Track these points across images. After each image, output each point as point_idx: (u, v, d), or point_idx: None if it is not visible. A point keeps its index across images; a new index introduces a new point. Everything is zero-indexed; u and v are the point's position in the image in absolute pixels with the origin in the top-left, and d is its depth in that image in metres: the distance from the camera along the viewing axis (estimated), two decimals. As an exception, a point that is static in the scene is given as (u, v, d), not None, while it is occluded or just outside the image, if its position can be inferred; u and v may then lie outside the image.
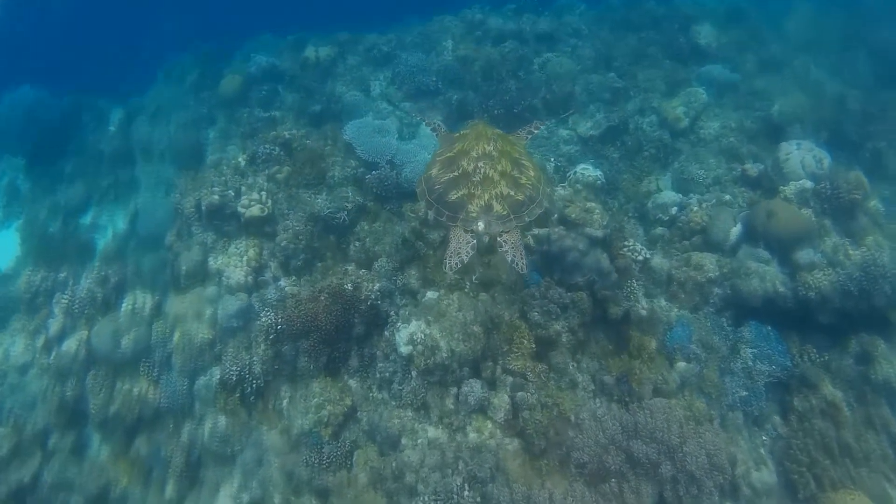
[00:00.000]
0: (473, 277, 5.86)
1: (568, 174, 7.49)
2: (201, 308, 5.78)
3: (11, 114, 10.75)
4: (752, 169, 6.60)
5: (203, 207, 6.22)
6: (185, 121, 10.27)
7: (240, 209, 6.10)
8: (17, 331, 6.66)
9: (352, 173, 6.57)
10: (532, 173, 4.08)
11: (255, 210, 6.06)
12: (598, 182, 7.18)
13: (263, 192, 6.22)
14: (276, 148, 6.84)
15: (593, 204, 5.65)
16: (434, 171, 4.11)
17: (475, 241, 3.86)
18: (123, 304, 6.11)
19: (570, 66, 9.07)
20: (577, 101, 8.83)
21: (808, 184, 6.02)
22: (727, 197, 6.53)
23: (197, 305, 5.79)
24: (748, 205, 6.39)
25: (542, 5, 12.33)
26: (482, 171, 3.89)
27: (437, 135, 4.99)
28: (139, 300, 6.08)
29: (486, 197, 3.85)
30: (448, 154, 4.15)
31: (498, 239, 3.87)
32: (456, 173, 3.96)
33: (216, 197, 6.16)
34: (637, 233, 6.35)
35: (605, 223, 5.52)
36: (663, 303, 5.67)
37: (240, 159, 6.89)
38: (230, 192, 6.37)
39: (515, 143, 4.38)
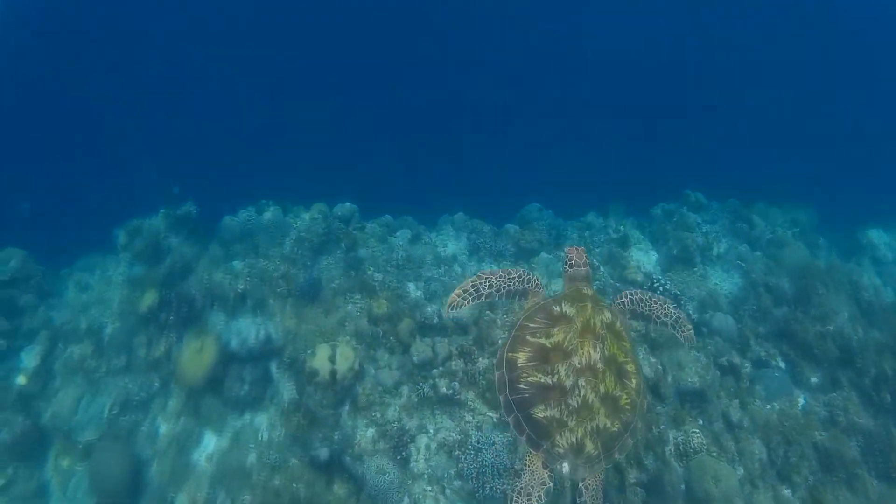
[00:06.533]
0: None
1: None
2: None
3: None
4: None
5: None
6: (123, 401, 6.89)
7: None
8: None
9: None
10: (634, 383, 3.45)
11: None
12: None
13: None
14: None
15: None
16: (521, 357, 3.44)
17: (552, 485, 3.35)
18: None
19: (731, 483, 5.71)
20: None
21: None
22: None
23: None
24: None
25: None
26: (582, 393, 3.24)
27: (527, 288, 4.04)
28: None
29: (580, 432, 3.23)
30: (543, 340, 3.45)
31: (580, 485, 3.38)
32: (549, 380, 3.32)
33: None
34: None
35: None
36: None
37: None
38: None
39: (622, 333, 3.66)
